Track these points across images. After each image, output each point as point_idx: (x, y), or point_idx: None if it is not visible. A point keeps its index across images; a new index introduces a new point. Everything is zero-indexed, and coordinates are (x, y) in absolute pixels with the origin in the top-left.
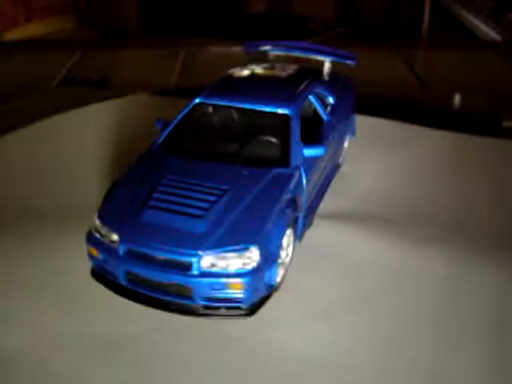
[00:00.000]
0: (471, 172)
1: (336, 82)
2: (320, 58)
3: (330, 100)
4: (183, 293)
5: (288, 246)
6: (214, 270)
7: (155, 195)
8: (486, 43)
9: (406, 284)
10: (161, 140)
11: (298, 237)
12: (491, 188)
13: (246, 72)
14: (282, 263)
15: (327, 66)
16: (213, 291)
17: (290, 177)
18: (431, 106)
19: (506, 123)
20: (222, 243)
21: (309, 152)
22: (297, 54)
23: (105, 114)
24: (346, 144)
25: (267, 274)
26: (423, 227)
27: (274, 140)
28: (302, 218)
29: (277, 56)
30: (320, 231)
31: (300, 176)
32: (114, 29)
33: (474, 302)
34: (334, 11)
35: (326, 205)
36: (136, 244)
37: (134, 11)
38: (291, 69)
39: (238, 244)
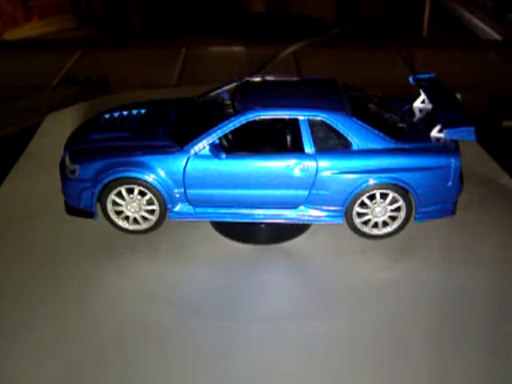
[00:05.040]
0: None
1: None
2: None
3: (350, 142)
4: None
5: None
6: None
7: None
8: (487, 43)
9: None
10: (197, 96)
11: (171, 209)
12: None
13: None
14: (122, 212)
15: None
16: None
17: (165, 152)
18: None
19: (506, 123)
20: (75, 153)
21: (195, 149)
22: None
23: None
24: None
25: (84, 192)
26: None
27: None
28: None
29: None
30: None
31: (178, 158)
32: (115, 28)
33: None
34: (334, 11)
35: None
36: None
37: (134, 11)
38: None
39: (75, 156)
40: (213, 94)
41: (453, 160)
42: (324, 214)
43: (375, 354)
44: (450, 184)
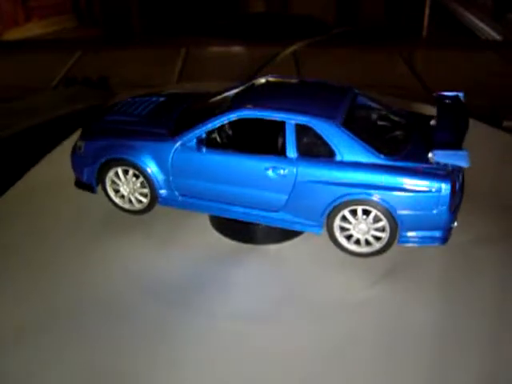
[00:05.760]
0: None
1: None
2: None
3: (334, 152)
4: None
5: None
6: None
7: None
8: (487, 43)
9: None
10: (211, 93)
11: (160, 200)
12: None
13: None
14: (119, 191)
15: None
16: None
17: (158, 140)
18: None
19: (506, 123)
20: (86, 131)
21: (183, 140)
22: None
23: None
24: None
25: (86, 167)
26: None
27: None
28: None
29: None
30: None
31: (167, 147)
32: (115, 28)
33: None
34: (334, 11)
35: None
36: None
37: (134, 11)
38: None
39: (84, 134)
40: (225, 92)
41: (442, 185)
42: (302, 221)
43: (320, 368)
44: (436, 211)
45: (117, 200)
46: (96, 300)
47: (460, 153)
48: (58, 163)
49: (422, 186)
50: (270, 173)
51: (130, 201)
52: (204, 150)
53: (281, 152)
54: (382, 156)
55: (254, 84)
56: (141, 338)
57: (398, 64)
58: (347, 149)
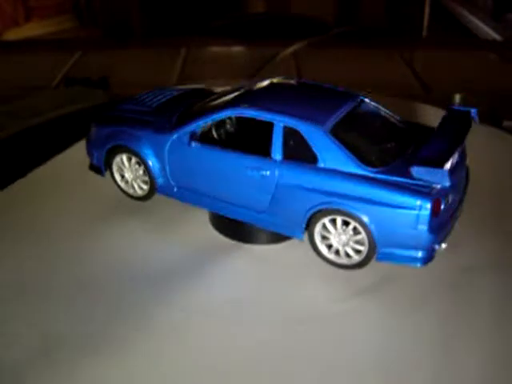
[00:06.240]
0: None
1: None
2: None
3: (317, 159)
4: None
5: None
6: None
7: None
8: (486, 43)
9: None
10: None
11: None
12: None
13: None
14: (125, 178)
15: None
16: None
17: (157, 131)
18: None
19: (506, 123)
20: (99, 117)
21: (179, 134)
22: None
23: None
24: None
25: (95, 151)
26: None
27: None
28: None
29: None
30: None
31: (164, 139)
32: (115, 28)
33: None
34: (334, 11)
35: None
36: None
37: (134, 11)
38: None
39: (97, 120)
40: (234, 91)
41: (420, 203)
42: (285, 225)
43: (294, 369)
44: (416, 230)
45: (122, 184)
46: (81, 280)
47: (439, 171)
48: (62, 163)
49: (401, 203)
50: (253, 173)
51: (133, 187)
52: (193, 144)
53: (265, 153)
54: (366, 167)
55: (257, 85)
56: (116, 321)
57: (398, 64)
58: (330, 156)
